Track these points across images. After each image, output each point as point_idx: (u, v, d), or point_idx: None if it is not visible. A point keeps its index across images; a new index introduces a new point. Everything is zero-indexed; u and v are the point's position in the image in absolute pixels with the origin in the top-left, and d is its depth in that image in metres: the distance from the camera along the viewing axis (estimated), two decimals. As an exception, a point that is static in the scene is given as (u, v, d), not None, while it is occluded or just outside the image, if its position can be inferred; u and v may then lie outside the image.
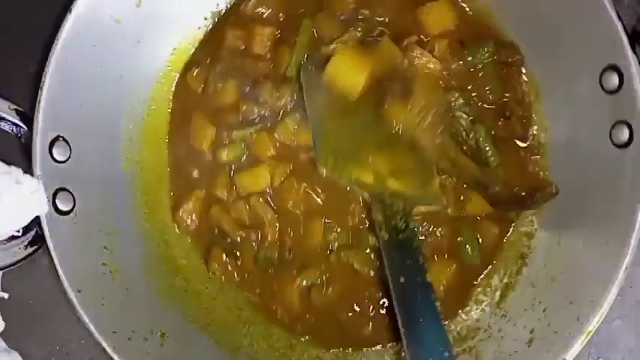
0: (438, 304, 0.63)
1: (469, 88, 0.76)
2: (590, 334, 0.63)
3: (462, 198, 0.75)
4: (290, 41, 0.78)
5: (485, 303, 0.77)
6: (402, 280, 0.65)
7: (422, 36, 0.77)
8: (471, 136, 0.75)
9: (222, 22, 0.81)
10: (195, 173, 0.79)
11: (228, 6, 0.82)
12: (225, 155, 0.77)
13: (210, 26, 0.82)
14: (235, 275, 0.78)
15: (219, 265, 0.78)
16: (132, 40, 0.77)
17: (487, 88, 0.77)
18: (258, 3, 0.79)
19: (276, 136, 0.76)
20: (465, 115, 0.75)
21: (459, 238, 0.75)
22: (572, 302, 0.66)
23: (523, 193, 0.74)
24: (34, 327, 0.82)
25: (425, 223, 0.75)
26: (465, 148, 0.74)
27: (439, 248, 0.75)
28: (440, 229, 0.75)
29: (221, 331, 0.77)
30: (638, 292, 0.80)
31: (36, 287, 0.82)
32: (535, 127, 0.77)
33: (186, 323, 0.76)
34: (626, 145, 0.65)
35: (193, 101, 0.80)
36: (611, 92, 0.66)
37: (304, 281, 0.76)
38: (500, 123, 0.77)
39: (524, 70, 0.78)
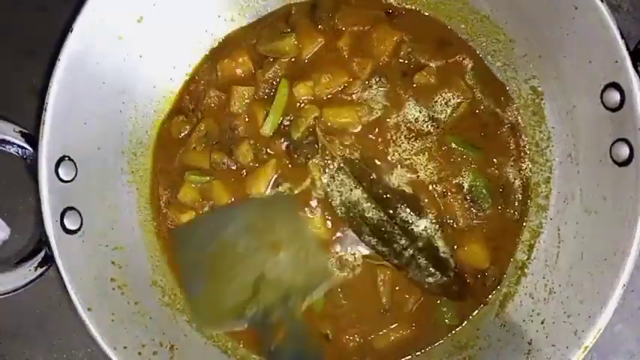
0: None
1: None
2: (588, 349, 0.65)
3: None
4: (266, 100, 0.79)
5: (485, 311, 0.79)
6: None
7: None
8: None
9: (204, 80, 0.82)
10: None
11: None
12: None
13: (212, 39, 0.83)
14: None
15: None
16: (134, 55, 0.77)
17: None
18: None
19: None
20: None
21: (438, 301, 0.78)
22: (570, 316, 0.68)
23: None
24: (40, 335, 0.84)
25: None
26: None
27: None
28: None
29: (229, 340, 0.79)
30: (640, 296, 0.81)
31: (42, 295, 0.84)
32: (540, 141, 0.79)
33: (195, 334, 0.78)
34: (626, 163, 0.65)
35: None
36: (612, 110, 0.67)
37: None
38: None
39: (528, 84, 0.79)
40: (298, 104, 0.78)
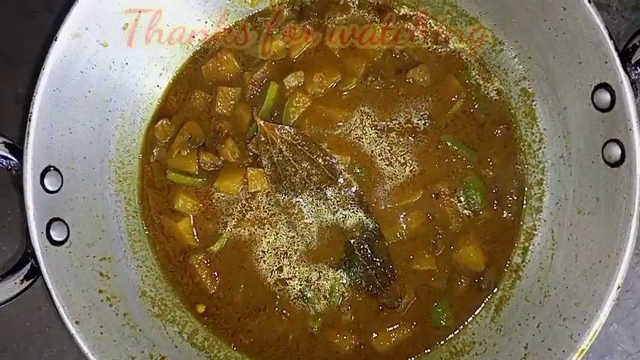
0: None
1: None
2: (584, 352, 0.64)
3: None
4: (253, 101, 0.78)
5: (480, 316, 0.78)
6: None
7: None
8: None
9: (191, 83, 0.82)
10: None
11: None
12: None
13: (199, 43, 0.82)
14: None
15: None
16: (120, 63, 0.76)
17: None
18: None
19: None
20: None
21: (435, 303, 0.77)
22: (566, 319, 0.67)
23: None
24: (30, 348, 0.83)
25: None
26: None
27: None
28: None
29: (220, 349, 0.78)
30: (635, 296, 0.81)
31: (32, 307, 0.83)
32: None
33: (185, 344, 0.77)
34: (619, 163, 0.65)
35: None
36: (603, 110, 0.66)
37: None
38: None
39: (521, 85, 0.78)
40: (287, 93, 0.78)
